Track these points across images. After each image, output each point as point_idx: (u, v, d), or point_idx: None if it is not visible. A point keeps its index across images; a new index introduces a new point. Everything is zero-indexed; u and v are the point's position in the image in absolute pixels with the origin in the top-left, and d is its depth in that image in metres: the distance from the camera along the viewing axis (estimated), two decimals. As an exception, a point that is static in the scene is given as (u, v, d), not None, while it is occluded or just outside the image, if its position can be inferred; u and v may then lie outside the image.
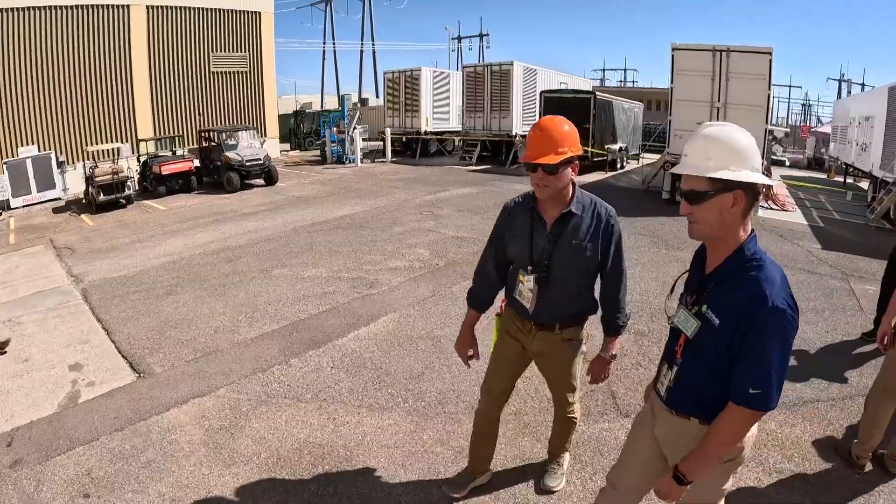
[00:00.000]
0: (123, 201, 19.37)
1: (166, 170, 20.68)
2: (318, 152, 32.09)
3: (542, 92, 22.79)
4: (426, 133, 27.00)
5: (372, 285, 8.53)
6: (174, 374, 6.67)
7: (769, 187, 13.43)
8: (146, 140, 24.96)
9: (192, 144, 26.82)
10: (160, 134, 27.38)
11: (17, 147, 23.92)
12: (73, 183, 23.46)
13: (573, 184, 3.20)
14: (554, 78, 27.33)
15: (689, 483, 2.30)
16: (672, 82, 15.21)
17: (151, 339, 7.61)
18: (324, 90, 63.53)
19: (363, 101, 41.24)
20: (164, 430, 5.52)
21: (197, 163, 22.35)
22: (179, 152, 23.69)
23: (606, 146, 22.05)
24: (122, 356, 7.22)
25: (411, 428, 5.21)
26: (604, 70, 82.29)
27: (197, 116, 29.83)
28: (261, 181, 21.79)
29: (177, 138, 25.86)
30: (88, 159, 22.53)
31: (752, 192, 2.16)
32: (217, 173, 21.42)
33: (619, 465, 2.88)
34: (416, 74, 26.63)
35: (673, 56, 14.90)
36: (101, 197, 18.66)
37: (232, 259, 11.40)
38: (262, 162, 21.19)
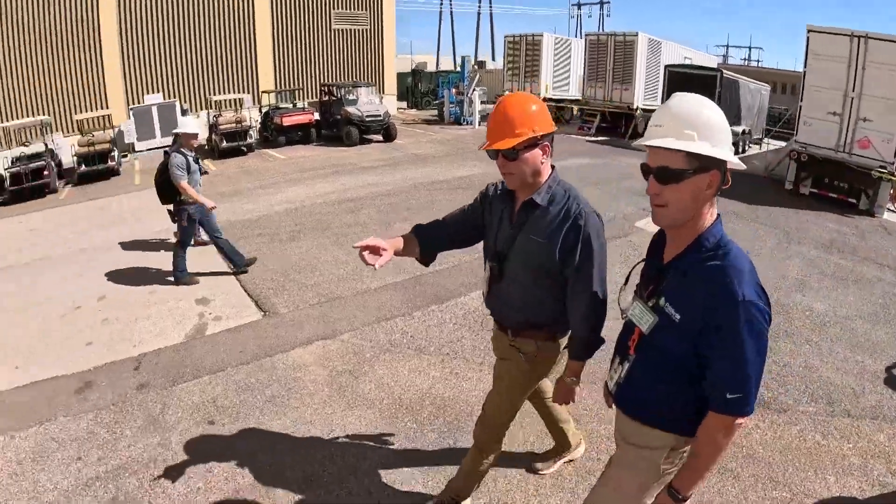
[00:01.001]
0: (244, 149, 20.48)
1: (287, 121, 21.52)
2: (434, 112, 32.28)
3: (666, 66, 21.75)
4: (545, 100, 26.56)
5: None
6: (299, 315, 6.94)
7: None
8: (268, 92, 25.94)
9: (312, 98, 27.67)
10: (281, 87, 28.32)
11: (143, 94, 25.56)
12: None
13: (553, 168, 2.87)
14: (678, 52, 26.11)
15: (686, 499, 2.12)
16: (805, 66, 14.17)
17: (276, 282, 7.95)
18: (439, 51, 63.78)
19: (480, 64, 41.00)
20: (289, 368, 5.78)
21: (317, 116, 23.10)
22: (300, 105, 24.48)
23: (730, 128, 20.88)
24: (248, 295, 7.61)
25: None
26: (727, 46, 77.04)
27: (317, 71, 30.62)
28: (379, 137, 22.23)
29: (297, 91, 26.71)
30: (212, 108, 23.70)
31: (723, 175, 1.98)
32: (336, 127, 22.00)
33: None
34: (537, 39, 26.10)
35: (808, 39, 13.79)
36: (224, 144, 19.72)
37: (353, 210, 11.73)
38: (381, 118, 21.62)
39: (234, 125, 20.14)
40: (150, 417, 5.16)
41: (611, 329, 2.71)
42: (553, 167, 2.87)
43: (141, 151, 22.99)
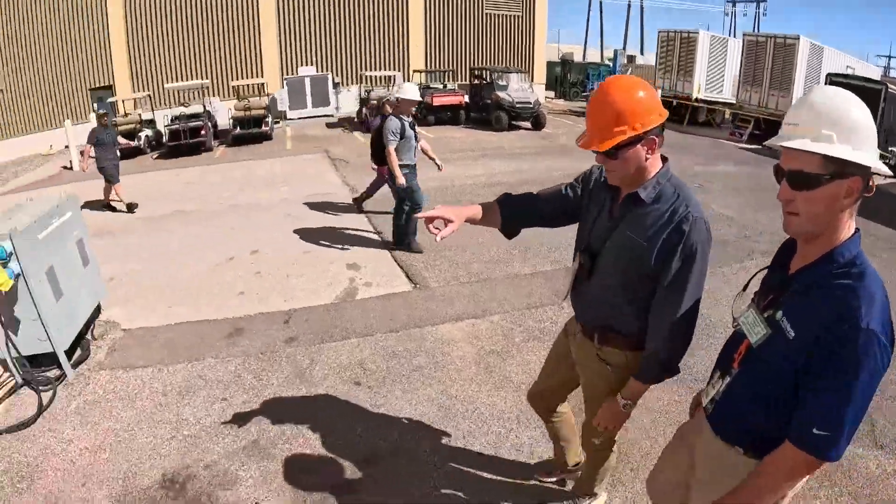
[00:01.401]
0: (394, 124, 20.47)
1: (438, 101, 21.63)
2: (583, 104, 31.60)
3: (828, 74, 19.91)
4: (696, 100, 25.28)
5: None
6: (449, 291, 6.80)
7: None
8: (419, 71, 26.27)
9: (461, 80, 27.73)
10: (430, 67, 28.58)
11: (297, 66, 26.73)
12: (345, 103, 25.67)
13: (664, 160, 2.48)
14: (840, 60, 23.88)
15: None
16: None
17: (427, 256, 7.85)
18: (587, 42, 62.54)
19: (629, 59, 39.71)
20: (438, 342, 5.64)
21: (466, 98, 23.01)
22: (450, 86, 24.59)
23: (891, 148, 18.95)
24: (399, 265, 7.55)
25: (675, 399, 4.72)
26: (889, 57, 70.92)
27: (466, 54, 30.71)
28: (527, 124, 21.96)
29: (447, 73, 26.86)
30: (364, 83, 24.20)
31: (865, 183, 1.69)
32: (486, 111, 21.91)
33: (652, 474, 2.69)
34: (692, 37, 24.78)
35: None
36: (375, 120, 19.91)
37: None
38: (531, 105, 21.30)
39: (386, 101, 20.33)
40: (298, 370, 5.19)
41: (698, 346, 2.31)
42: (665, 160, 2.50)
43: (292, 119, 24.07)
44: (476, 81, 23.70)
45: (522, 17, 31.70)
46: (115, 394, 5.13)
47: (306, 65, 26.96)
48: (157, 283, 7.45)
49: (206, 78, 24.65)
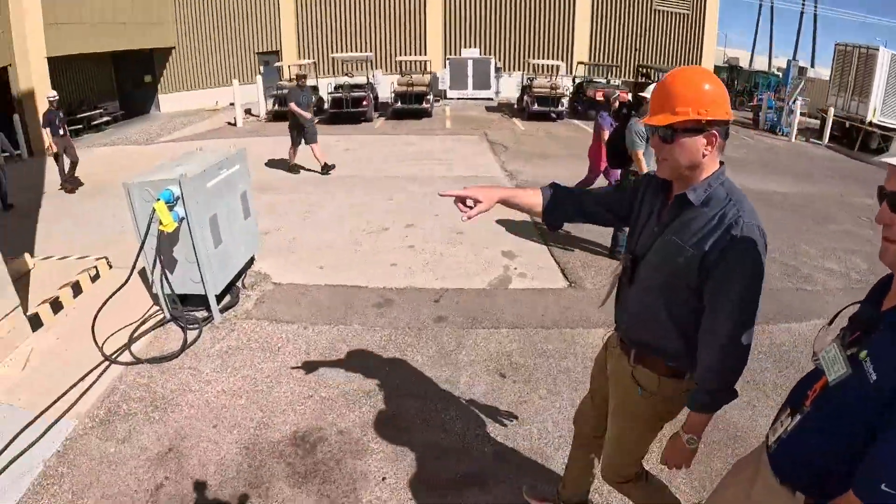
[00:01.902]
0: (554, 115, 20.43)
1: (600, 96, 20.94)
2: (749, 114, 29.86)
3: None
4: (870, 124, 22.99)
5: (806, 279, 7.23)
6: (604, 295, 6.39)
7: None
8: (583, 63, 25.68)
9: (624, 76, 26.88)
10: (593, 60, 27.91)
11: (460, 47, 26.95)
12: (505, 88, 25.63)
13: (721, 165, 2.21)
14: None
15: None
16: None
17: (583, 256, 7.46)
18: (755, 48, 58.95)
19: (801, 70, 36.84)
20: (588, 346, 5.27)
21: (629, 96, 22.18)
22: (613, 82, 23.89)
23: None
24: (555, 260, 7.21)
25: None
26: None
27: (632, 50, 29.76)
28: (690, 130, 20.70)
29: (613, 67, 26.11)
30: (527, 71, 23.97)
31: None
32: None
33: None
34: (871, 53, 22.38)
35: None
36: (535, 107, 19.84)
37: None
38: (697, 110, 20.17)
39: (547, 90, 20.08)
40: (443, 352, 5.04)
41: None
42: (722, 164, 2.23)
43: (451, 99, 24.27)
44: (641, 80, 22.90)
45: (692, 16, 30.32)
46: (258, 344, 5.23)
47: (470, 46, 27.10)
48: (310, 243, 7.58)
49: (371, 51, 25.25)
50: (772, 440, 1.97)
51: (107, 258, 7.35)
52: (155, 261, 5.36)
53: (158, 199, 4.96)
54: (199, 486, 3.76)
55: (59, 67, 18.62)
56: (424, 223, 8.40)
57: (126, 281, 5.48)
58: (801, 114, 22.39)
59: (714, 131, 2.10)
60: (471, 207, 2.46)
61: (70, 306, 6.38)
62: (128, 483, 3.82)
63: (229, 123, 20.00)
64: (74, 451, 4.17)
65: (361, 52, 24.81)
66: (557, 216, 2.64)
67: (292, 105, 11.56)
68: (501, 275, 6.68)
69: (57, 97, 12.58)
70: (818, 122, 22.76)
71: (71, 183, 12.40)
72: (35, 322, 5.93)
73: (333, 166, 11.91)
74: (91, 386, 4.90)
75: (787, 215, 10.03)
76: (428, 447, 3.92)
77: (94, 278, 7.00)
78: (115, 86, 25.22)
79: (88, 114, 20.73)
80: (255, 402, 4.46)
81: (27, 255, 7.43)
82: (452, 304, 5.90)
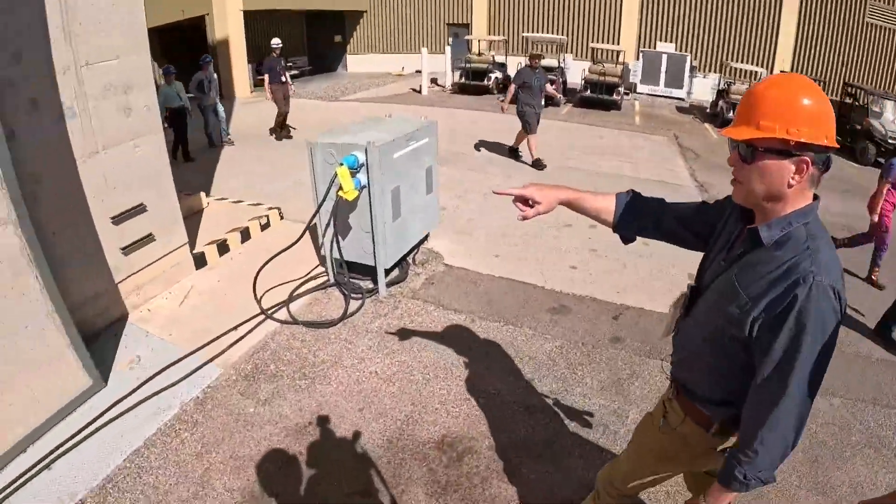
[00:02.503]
0: (748, 128, 18.76)
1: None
2: (983, 158, 26.57)
3: None
4: None
5: None
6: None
7: None
8: (784, 73, 23.74)
9: (831, 95, 24.57)
10: (798, 70, 25.69)
11: (655, 41, 25.52)
12: (697, 90, 24.00)
13: (815, 199, 1.76)
14: None
15: None
16: None
17: None
18: None
19: None
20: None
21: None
22: (817, 98, 21.89)
23: None
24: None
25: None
26: None
27: (839, 66, 27.13)
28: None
29: (819, 83, 23.95)
30: (724, 73, 22.52)
31: None
32: (852, 137, 18.90)
33: None
34: None
35: None
36: (730, 114, 18.37)
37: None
38: (908, 145, 17.79)
39: (746, 98, 18.63)
40: (616, 379, 4.49)
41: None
42: (816, 198, 1.78)
43: (641, 94, 23.12)
44: (847, 100, 20.58)
45: (910, 32, 27.17)
46: (421, 328, 5.00)
47: (665, 41, 25.72)
48: (488, 227, 7.29)
49: (563, 34, 24.57)
50: None
51: (279, 209, 7.47)
52: (329, 224, 5.23)
53: (342, 164, 4.80)
54: (332, 471, 3.58)
55: (254, 21, 19.40)
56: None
57: (296, 240, 5.43)
58: None
59: (807, 157, 1.67)
60: (530, 207, 2.30)
61: (236, 251, 6.55)
62: (259, 448, 3.75)
63: (413, 90, 20.21)
64: (213, 401, 4.21)
65: (554, 34, 24.15)
66: (632, 227, 2.37)
67: (512, 87, 10.67)
68: (686, 303, 5.91)
69: (281, 45, 12.78)
70: None
71: (279, 131, 12.93)
72: (199, 261, 6.12)
73: (545, 166, 10.79)
74: (243, 337, 4.93)
75: None
76: (584, 485, 3.41)
77: (264, 227, 7.15)
78: (304, 43, 26.38)
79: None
80: (407, 392, 4.22)
81: (202, 194, 7.71)
82: (631, 324, 5.31)
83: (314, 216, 5.29)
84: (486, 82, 20.35)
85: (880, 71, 27.04)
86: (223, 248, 6.43)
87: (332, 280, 5.62)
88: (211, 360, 4.67)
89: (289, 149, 11.80)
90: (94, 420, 4.08)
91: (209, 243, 6.35)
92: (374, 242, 5.26)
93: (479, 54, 21.67)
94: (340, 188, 4.78)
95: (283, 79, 12.65)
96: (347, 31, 27.53)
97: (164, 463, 3.66)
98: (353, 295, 5.41)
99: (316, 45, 27.29)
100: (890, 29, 26.70)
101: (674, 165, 12.21)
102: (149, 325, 5.14)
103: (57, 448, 3.85)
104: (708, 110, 21.14)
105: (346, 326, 5.00)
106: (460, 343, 4.78)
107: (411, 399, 4.13)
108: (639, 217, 2.34)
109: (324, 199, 5.11)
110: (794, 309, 1.68)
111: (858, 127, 18.11)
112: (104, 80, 4.91)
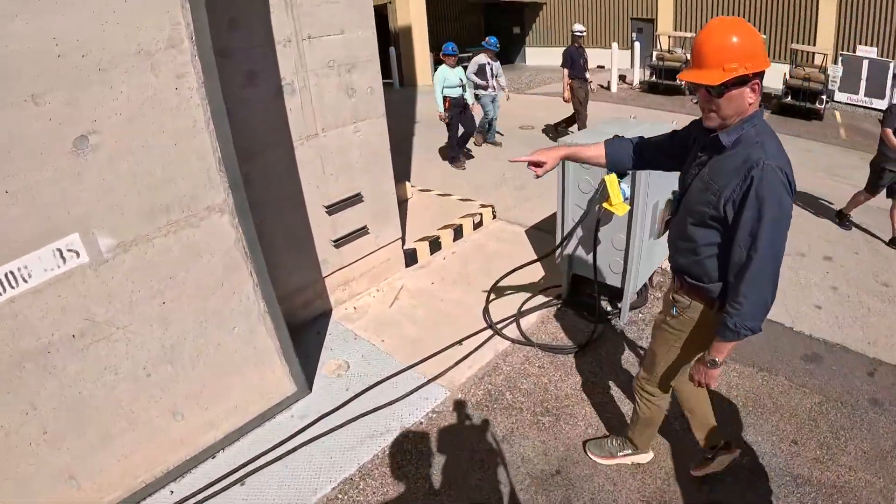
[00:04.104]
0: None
1: None
2: None
3: None
4: None
5: None
6: None
7: None
8: None
9: None
10: None
11: (855, 43, 23.19)
12: None
13: (760, 107, 2.37)
14: None
15: None
16: None
17: None
18: None
19: None
20: None
21: None
22: None
23: None
24: None
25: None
26: None
27: None
28: None
29: None
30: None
31: None
32: None
33: None
34: None
35: None
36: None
37: None
38: None
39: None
40: (878, 450, 3.97)
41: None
42: (761, 106, 2.38)
43: (839, 102, 21.18)
44: None
45: None
46: None
47: (866, 44, 23.36)
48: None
49: (762, 33, 23.06)
50: None
51: (493, 207, 7.25)
52: (571, 236, 4.91)
53: (609, 172, 4.18)
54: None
55: (436, 8, 19.42)
56: (845, 259, 7.07)
57: (548, 254, 5.16)
58: None
59: (757, 81, 2.26)
60: (540, 167, 2.81)
61: (449, 250, 6.27)
62: (498, 496, 3.40)
63: (601, 87, 19.57)
64: (441, 430, 3.83)
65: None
66: (621, 163, 2.95)
67: (887, 132, 7.10)
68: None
69: (584, 32, 11.25)
70: None
71: (558, 130, 11.70)
72: (411, 258, 5.85)
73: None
74: (470, 354, 4.55)
75: None
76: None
77: (477, 225, 6.88)
78: (483, 32, 26.34)
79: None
80: (663, 443, 3.81)
81: (407, 184, 7.56)
82: (888, 384, 4.74)
83: (571, 231, 4.91)
84: (677, 82, 19.33)
85: None
86: (435, 245, 6.20)
87: (564, 296, 5.35)
88: (434, 378, 4.27)
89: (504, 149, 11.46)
90: (298, 433, 3.77)
91: (420, 240, 6.12)
92: (625, 261, 4.85)
93: (670, 51, 20.80)
94: (608, 199, 4.05)
95: (587, 75, 10.97)
96: (526, 23, 27.26)
97: (384, 500, 3.39)
98: (590, 317, 5.07)
99: (495, 36, 27.34)
100: None
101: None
102: (354, 324, 4.90)
103: (254, 460, 3.56)
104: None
105: (588, 354, 4.68)
106: (716, 392, 4.35)
107: (669, 449, 3.78)
108: (625, 153, 2.93)
109: (585, 215, 4.75)
110: (753, 186, 2.25)
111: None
112: (327, 57, 4.55)
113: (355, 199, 5.09)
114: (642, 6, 26.05)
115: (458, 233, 6.57)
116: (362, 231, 5.24)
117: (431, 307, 5.16)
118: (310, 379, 4.23)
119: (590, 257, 4.96)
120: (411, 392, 4.12)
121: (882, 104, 21.24)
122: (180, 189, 3.13)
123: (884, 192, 7.61)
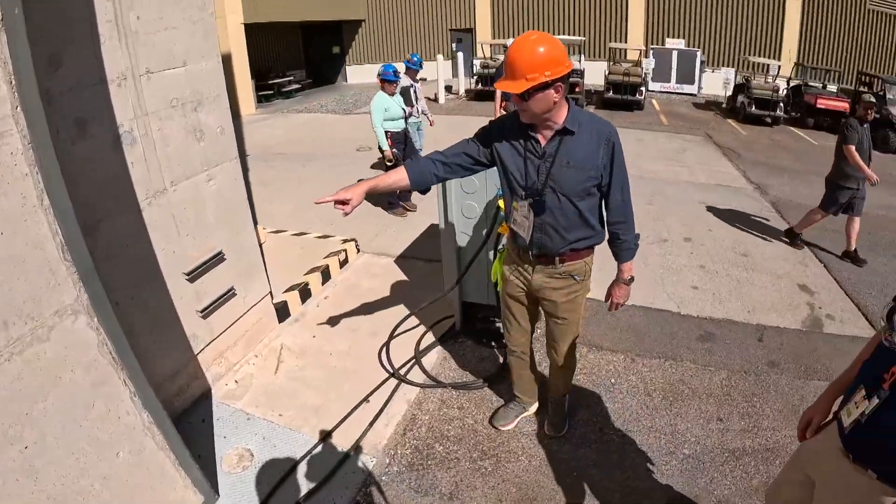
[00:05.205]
0: (769, 120, 18.74)
1: (822, 104, 18.89)
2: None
3: None
4: None
5: None
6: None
7: None
8: (799, 65, 23.70)
9: (843, 83, 24.45)
10: (804, 60, 25.73)
11: (664, 37, 25.51)
12: (707, 85, 24.12)
13: (568, 101, 2.90)
14: None
15: None
16: None
17: (881, 295, 6.38)
18: None
19: None
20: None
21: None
22: (831, 88, 21.84)
23: None
24: (851, 300, 6.24)
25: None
26: None
27: (844, 54, 27.12)
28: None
29: (833, 73, 23.81)
30: (739, 68, 22.66)
31: None
32: (872, 126, 18.88)
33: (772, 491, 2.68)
34: None
35: None
36: (752, 109, 18.28)
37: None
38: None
39: (770, 93, 18.40)
40: (790, 406, 4.35)
41: None
42: (568, 100, 2.90)
43: (653, 92, 23.05)
44: (863, 89, 20.58)
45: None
46: (586, 378, 4.65)
47: (674, 36, 25.67)
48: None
49: (568, 34, 24.62)
50: (847, 421, 2.00)
51: (355, 241, 6.85)
52: (471, 265, 4.57)
53: (502, 195, 3.93)
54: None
55: (252, 34, 19.01)
56: (702, 238, 7.71)
57: (453, 286, 4.87)
58: None
59: (559, 84, 2.71)
60: (345, 204, 2.93)
61: (320, 295, 5.76)
62: None
63: (429, 99, 19.88)
64: None
65: (572, 35, 24.10)
66: (425, 181, 3.13)
67: (851, 149, 6.89)
68: (810, 314, 5.88)
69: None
70: None
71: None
72: (282, 312, 5.25)
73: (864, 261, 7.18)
74: (382, 410, 4.13)
75: None
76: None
77: (343, 263, 6.43)
78: (302, 55, 26.03)
79: (279, 80, 21.29)
80: (607, 457, 3.80)
81: (260, 227, 6.66)
82: (778, 346, 5.21)
83: (475, 258, 4.53)
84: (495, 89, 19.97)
85: (886, 57, 27.03)
86: (305, 293, 5.64)
87: (458, 327, 5.14)
88: (353, 448, 3.80)
89: (320, 166, 11.19)
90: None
91: (288, 290, 5.52)
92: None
93: (493, 58, 21.51)
94: (503, 223, 4.02)
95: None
96: (346, 41, 27.27)
97: None
98: (493, 342, 4.95)
99: (314, 58, 26.96)
100: (889, 15, 26.75)
101: (722, 167, 12.23)
102: (242, 402, 4.26)
103: None
104: (724, 105, 21.17)
105: (504, 381, 4.42)
106: (633, 388, 4.53)
107: (614, 464, 3.76)
108: (429, 171, 3.10)
109: (486, 239, 4.45)
110: (615, 149, 2.93)
111: (878, 116, 17.96)
112: (169, 95, 3.80)
113: (217, 259, 4.38)
114: (461, 17, 26.88)
115: (325, 275, 6.06)
116: (229, 293, 4.54)
117: (321, 364, 4.70)
118: (212, 480, 3.49)
119: (480, 283, 4.87)
120: (335, 470, 3.63)
121: (692, 89, 23.29)
122: (16, 295, 2.30)
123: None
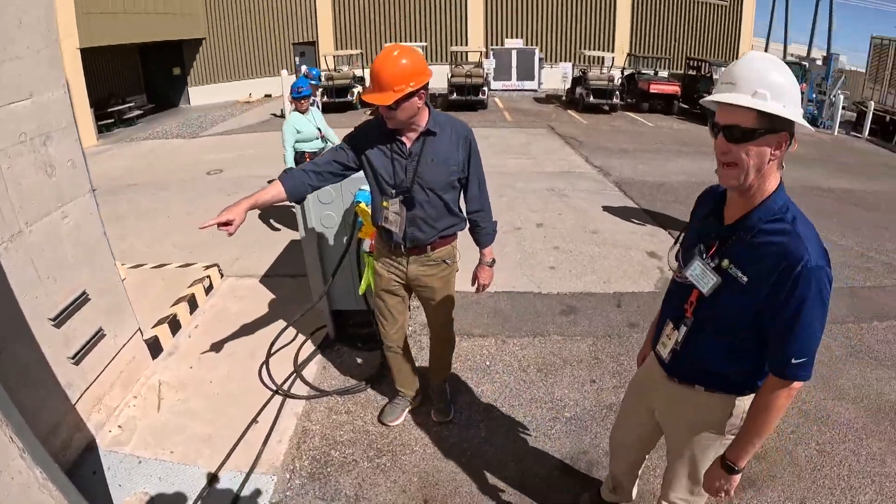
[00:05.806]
0: (607, 108, 20.11)
1: (654, 88, 20.57)
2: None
3: None
4: None
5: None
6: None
7: None
8: (631, 55, 25.29)
9: (673, 69, 26.31)
10: (634, 51, 27.52)
11: (502, 37, 26.85)
12: (547, 79, 25.36)
13: (428, 107, 3.14)
14: None
15: (740, 471, 2.11)
16: None
17: None
18: (769, 37, 57.63)
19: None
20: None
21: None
22: (662, 74, 23.55)
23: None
24: (700, 262, 6.84)
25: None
26: None
27: (672, 42, 29.31)
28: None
29: (663, 60, 25.60)
30: (578, 62, 23.93)
31: (791, 138, 1.85)
32: (700, 104, 20.64)
33: (616, 431, 2.96)
34: None
35: None
36: (591, 99, 19.49)
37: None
38: (746, 105, 19.68)
39: (606, 83, 19.72)
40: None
41: None
42: (428, 104, 3.12)
43: (496, 90, 23.93)
44: (692, 72, 22.45)
45: (729, 7, 29.77)
46: (461, 363, 4.77)
47: (512, 37, 26.85)
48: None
49: (409, 41, 25.13)
50: (665, 353, 2.27)
51: (217, 265, 6.63)
52: (335, 274, 4.54)
53: (359, 202, 4.21)
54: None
55: (87, 59, 17.83)
56: (553, 222, 8.16)
57: (319, 299, 4.75)
58: (844, 107, 21.91)
59: (422, 91, 2.94)
60: (229, 224, 2.91)
61: (191, 325, 5.57)
62: None
63: (275, 115, 19.66)
64: None
65: (410, 41, 24.46)
66: (300, 192, 3.23)
67: None
68: (661, 276, 6.44)
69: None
70: (853, 114, 22.16)
71: None
72: (154, 348, 5.03)
73: None
74: (273, 428, 4.08)
75: (876, 215, 9.56)
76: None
77: (208, 290, 6.22)
78: (142, 78, 24.46)
79: (119, 108, 20.14)
80: (495, 432, 3.97)
81: (118, 263, 6.10)
82: (635, 308, 5.68)
83: (338, 266, 4.52)
84: (349, 98, 20.29)
85: (710, 43, 29.43)
86: (174, 325, 5.41)
87: (332, 335, 5.11)
88: (251, 471, 3.71)
89: (172, 194, 10.57)
90: None
91: (156, 324, 5.28)
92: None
93: (337, 70, 21.51)
94: (362, 228, 4.25)
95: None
96: (187, 61, 26.07)
97: None
98: (368, 345, 4.95)
99: (153, 81, 25.32)
100: (715, 5, 29.12)
101: (566, 154, 12.92)
102: (130, 446, 4.00)
103: None
104: (564, 97, 22.44)
105: (384, 381, 4.50)
106: (508, 367, 4.71)
107: (508, 438, 3.93)
108: (301, 183, 3.20)
109: (348, 245, 4.45)
110: (471, 148, 3.24)
111: (705, 94, 19.51)
112: (18, 129, 3.52)
113: (82, 300, 4.09)
114: (302, 30, 26.67)
115: (192, 304, 5.83)
116: (98, 335, 4.23)
117: (203, 394, 4.52)
118: (116, 534, 3.23)
119: (347, 290, 4.88)
120: (238, 496, 3.52)
121: (533, 85, 24.42)
122: None
123: None
